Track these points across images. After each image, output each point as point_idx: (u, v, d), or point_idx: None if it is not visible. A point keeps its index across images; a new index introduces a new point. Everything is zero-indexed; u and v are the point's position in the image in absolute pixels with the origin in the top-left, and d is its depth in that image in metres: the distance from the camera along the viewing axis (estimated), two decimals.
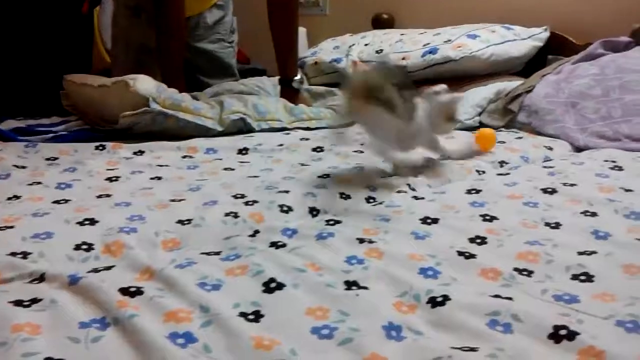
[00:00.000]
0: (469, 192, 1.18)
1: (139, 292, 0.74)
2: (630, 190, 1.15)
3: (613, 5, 2.03)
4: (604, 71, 1.73)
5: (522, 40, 2.02)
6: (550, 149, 1.57)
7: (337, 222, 1.03)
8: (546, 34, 2.07)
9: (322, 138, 1.68)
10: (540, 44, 2.05)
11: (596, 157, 1.40)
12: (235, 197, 1.16)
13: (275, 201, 1.14)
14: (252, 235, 0.98)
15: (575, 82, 1.74)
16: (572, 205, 1.09)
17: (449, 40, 1.97)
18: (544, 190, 1.16)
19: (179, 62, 2.04)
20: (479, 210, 1.07)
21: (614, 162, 1.35)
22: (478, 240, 0.94)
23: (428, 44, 2.01)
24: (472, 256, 0.89)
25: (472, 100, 1.84)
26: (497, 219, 1.03)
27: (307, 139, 1.67)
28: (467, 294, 0.78)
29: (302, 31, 2.97)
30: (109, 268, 0.84)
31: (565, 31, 2.10)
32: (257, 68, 2.84)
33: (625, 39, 1.88)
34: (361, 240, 0.93)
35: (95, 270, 0.83)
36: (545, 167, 1.33)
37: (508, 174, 1.31)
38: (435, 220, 1.02)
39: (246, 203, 1.13)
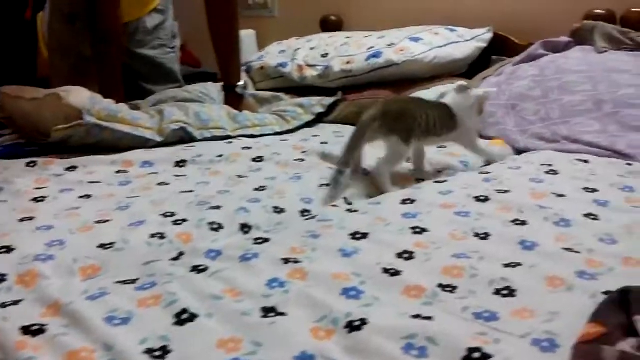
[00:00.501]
0: (403, 202, 1.16)
1: (41, 330, 0.71)
2: (562, 196, 1.16)
3: (555, 5, 2.05)
4: (543, 72, 1.75)
5: (466, 42, 2.02)
6: None
7: (266, 240, 1.00)
8: (489, 35, 2.07)
9: (265, 146, 1.66)
10: (484, 44, 2.06)
11: (533, 161, 1.41)
12: (164, 215, 1.13)
13: (206, 219, 1.11)
14: (176, 258, 0.95)
15: (516, 83, 1.75)
16: (503, 213, 1.08)
17: (392, 44, 1.96)
18: (477, 199, 1.15)
19: (117, 69, 1.98)
20: (410, 222, 1.06)
21: (550, 165, 1.35)
22: (405, 255, 0.93)
23: (372, 47, 2.00)
24: (397, 273, 0.88)
25: None
26: (427, 231, 1.02)
27: (249, 148, 1.64)
28: (387, 315, 0.76)
29: (251, 33, 2.94)
30: (17, 302, 0.80)
31: (508, 31, 2.11)
32: (207, 72, 2.79)
33: (565, 39, 1.90)
34: (286, 261, 0.91)
35: (3, 305, 0.79)
36: (481, 172, 1.33)
37: (445, 181, 1.30)
38: (364, 235, 1.00)
39: (175, 222, 1.10)
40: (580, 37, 1.87)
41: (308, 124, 1.92)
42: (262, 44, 2.74)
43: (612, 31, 1.82)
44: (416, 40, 1.95)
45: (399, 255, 0.93)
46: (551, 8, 2.05)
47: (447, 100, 1.38)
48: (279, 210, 1.18)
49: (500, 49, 2.10)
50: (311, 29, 2.61)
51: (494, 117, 1.69)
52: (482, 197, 1.15)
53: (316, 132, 1.83)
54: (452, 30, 2.05)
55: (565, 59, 1.76)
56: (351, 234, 1.01)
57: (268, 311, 0.77)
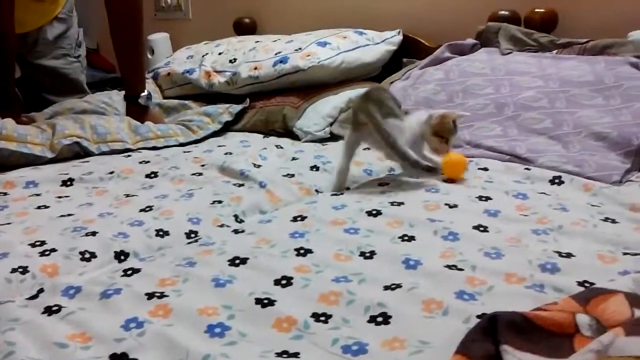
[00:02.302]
0: (294, 219, 1.11)
1: None
2: (454, 207, 1.13)
3: (461, 6, 2.05)
4: (448, 76, 1.73)
5: (375, 45, 2.00)
6: None
7: (136, 271, 0.93)
8: (399, 38, 2.05)
9: (164, 159, 1.58)
10: (394, 47, 2.04)
11: None
12: (33, 245, 1.04)
13: (77, 247, 1.03)
14: (33, 297, 0.87)
15: (422, 87, 1.73)
16: (392, 229, 1.05)
17: (299, 49, 1.91)
18: (369, 213, 1.11)
19: (9, 82, 1.86)
20: (296, 242, 1.01)
21: None
22: (283, 282, 0.88)
23: (279, 52, 1.94)
24: (271, 303, 0.82)
25: (323, 110, 1.79)
26: (312, 252, 0.97)
27: (146, 162, 1.56)
28: (249, 356, 0.71)
29: (164, 37, 2.84)
30: None
31: (418, 34, 2.09)
32: (120, 77, 2.66)
33: (471, 41, 1.89)
34: (151, 295, 0.84)
35: None
36: (380, 184, 1.30)
37: (342, 193, 1.26)
38: (244, 261, 0.94)
39: (43, 252, 1.01)
40: (486, 39, 1.87)
41: (215, 133, 1.86)
42: (177, 48, 2.64)
43: (516, 32, 1.83)
44: (323, 44, 1.91)
45: (277, 282, 0.88)
46: (458, 9, 2.05)
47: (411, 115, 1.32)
48: (161, 234, 1.11)
49: (411, 51, 2.09)
50: (225, 31, 2.53)
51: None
52: (374, 212, 1.11)
53: (222, 142, 1.77)
54: (361, 34, 2.02)
55: (470, 62, 1.76)
56: (230, 260, 0.95)
57: (116, 359, 0.70)
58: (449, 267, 0.91)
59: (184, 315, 0.79)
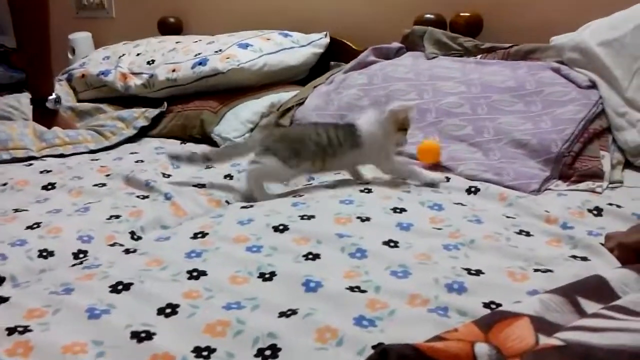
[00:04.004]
0: (195, 236, 1.03)
1: None
2: (367, 220, 1.07)
3: (388, 9, 2.00)
4: (372, 80, 1.68)
5: (301, 48, 1.93)
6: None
7: (5, 300, 0.83)
8: (326, 40, 2.00)
9: (67, 169, 1.46)
10: (321, 50, 1.98)
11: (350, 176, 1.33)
12: None
13: None
14: None
15: (345, 92, 1.67)
16: (298, 246, 0.98)
17: (220, 51, 1.82)
18: (276, 229, 1.04)
19: None
20: (191, 263, 0.93)
21: (366, 183, 1.28)
22: (168, 311, 0.80)
23: (199, 54, 1.85)
24: (149, 337, 0.74)
25: (243, 115, 1.71)
26: (206, 275, 0.89)
27: (47, 172, 1.44)
28: None
29: (86, 36, 2.70)
30: None
31: (345, 36, 2.04)
32: None
33: (396, 45, 1.85)
34: (12, 331, 0.74)
35: None
36: (295, 195, 1.23)
37: (251, 206, 1.18)
38: (127, 286, 0.85)
39: None
40: (411, 43, 1.83)
41: (130, 139, 1.75)
42: (100, 47, 2.50)
43: (442, 36, 1.80)
44: (245, 46, 1.83)
45: (161, 311, 0.80)
46: (386, 12, 2.00)
47: (359, 119, 1.28)
48: (45, 255, 1.00)
49: (339, 54, 2.03)
50: (150, 31, 2.42)
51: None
52: (281, 227, 1.04)
53: (136, 149, 1.67)
54: (286, 36, 1.95)
55: (394, 67, 1.71)
56: (112, 285, 0.86)
57: None
58: (352, 288, 0.85)
59: (46, 354, 0.70)
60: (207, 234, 1.03)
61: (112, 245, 1.04)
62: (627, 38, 1.48)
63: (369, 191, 1.23)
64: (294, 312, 0.79)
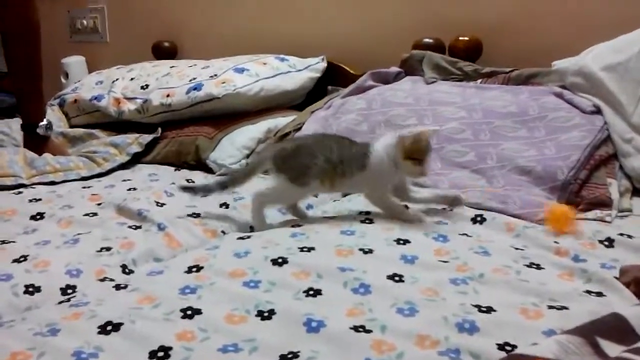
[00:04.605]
0: (189, 270, 0.98)
1: None
2: (370, 252, 1.03)
3: (387, 32, 1.98)
4: (371, 105, 1.65)
5: (298, 72, 1.90)
6: (315, 195, 1.44)
7: None
8: (323, 65, 1.97)
9: (57, 197, 1.42)
10: (318, 74, 1.95)
11: (352, 208, 1.28)
12: None
13: None
14: None
15: (343, 117, 1.64)
16: (298, 281, 0.93)
17: (215, 75, 1.79)
18: (274, 262, 0.99)
19: None
20: (185, 300, 0.88)
21: (366, 213, 1.23)
22: (160, 354, 0.75)
23: (194, 78, 1.82)
24: None
25: (238, 141, 1.67)
26: (200, 313, 0.84)
27: (36, 200, 1.39)
28: None
29: (80, 60, 2.68)
30: None
31: (343, 61, 2.01)
32: None
33: (395, 69, 1.82)
34: None
35: None
36: (293, 225, 1.18)
37: (249, 237, 1.13)
38: (117, 327, 0.80)
39: None
40: (410, 67, 1.81)
41: (123, 166, 1.70)
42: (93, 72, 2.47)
43: (441, 61, 1.77)
44: (241, 71, 1.80)
45: (152, 355, 0.74)
46: (385, 36, 1.98)
47: (378, 140, 1.18)
48: (32, 290, 0.95)
49: (336, 79, 2.00)
50: (144, 55, 2.39)
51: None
52: (280, 260, 0.99)
53: (129, 176, 1.62)
54: (282, 60, 1.92)
55: (393, 91, 1.68)
56: (101, 326, 0.80)
57: None
58: (356, 328, 0.80)
59: None
60: (202, 267, 0.98)
61: (102, 280, 0.99)
62: (632, 62, 1.45)
63: (370, 221, 1.18)
64: (295, 355, 0.74)
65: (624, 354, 0.68)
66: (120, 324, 0.81)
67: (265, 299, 0.88)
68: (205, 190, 1.26)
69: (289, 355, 0.74)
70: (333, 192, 1.24)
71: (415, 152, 1.12)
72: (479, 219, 1.18)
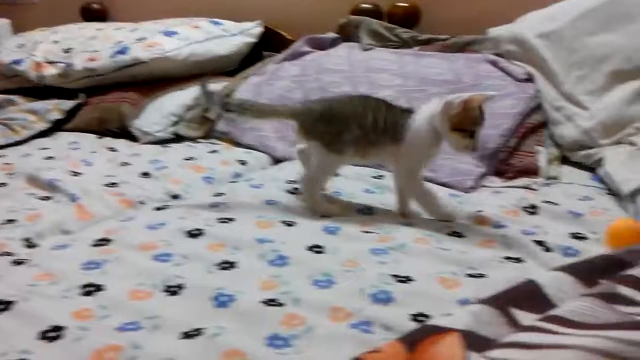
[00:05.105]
0: (97, 243, 0.92)
1: None
2: (292, 224, 0.99)
3: None
4: (305, 72, 1.60)
5: (232, 37, 1.82)
6: (244, 163, 1.39)
7: None
8: (259, 29, 1.89)
9: None
10: (254, 40, 1.88)
11: (280, 177, 1.24)
12: None
13: None
14: None
15: (276, 84, 1.58)
16: (213, 253, 0.88)
17: (143, 38, 1.69)
18: (190, 234, 0.94)
19: None
20: (87, 276, 0.82)
21: (294, 181, 1.19)
22: (52, 334, 0.69)
23: (121, 42, 1.72)
24: None
25: (166, 108, 1.60)
26: (103, 289, 0.78)
27: None
28: None
29: (4, 23, 2.50)
30: None
31: (280, 26, 1.94)
32: None
33: (332, 35, 1.77)
34: None
35: None
36: (216, 194, 1.13)
37: (166, 207, 1.08)
38: (8, 305, 0.74)
39: None
40: (347, 33, 1.76)
41: (43, 133, 1.61)
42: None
43: (378, 27, 1.73)
44: (171, 34, 1.71)
45: (43, 335, 0.69)
46: (321, 1, 1.91)
47: (421, 107, 1.01)
48: None
49: (273, 44, 1.93)
50: (73, 18, 2.26)
51: (251, 122, 1.50)
52: (195, 232, 0.94)
53: (48, 144, 1.53)
54: (216, 24, 1.84)
55: (328, 58, 1.63)
56: None
57: None
58: (268, 302, 0.76)
59: None
60: (110, 240, 0.92)
61: (2, 254, 0.92)
62: (566, 30, 1.44)
63: (297, 192, 1.14)
64: (199, 332, 0.70)
65: (536, 322, 0.66)
66: (12, 302, 0.74)
67: (175, 273, 0.83)
68: (210, 101, 1.08)
69: (193, 332, 0.70)
70: (367, 161, 1.11)
71: (465, 122, 0.94)
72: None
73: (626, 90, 1.33)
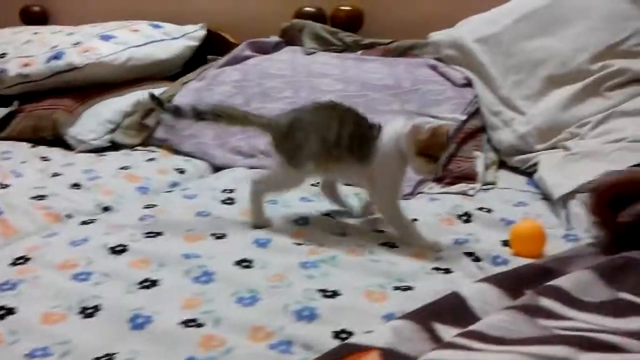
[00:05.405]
0: (14, 262, 0.88)
1: None
2: (222, 236, 0.97)
3: (270, 0, 1.89)
4: (246, 77, 1.57)
5: (173, 40, 1.79)
6: (182, 171, 1.36)
7: None
8: (202, 32, 1.86)
9: None
10: (196, 43, 1.84)
11: (217, 186, 1.21)
12: None
13: None
14: None
15: (216, 89, 1.55)
16: (135, 271, 0.85)
17: (79, 43, 1.64)
18: (113, 250, 0.91)
19: None
20: (1, 298, 0.78)
21: (231, 190, 1.17)
22: None
23: (56, 46, 1.66)
24: None
25: (103, 115, 1.55)
26: (14, 313, 0.75)
27: None
28: None
29: None
30: None
31: (224, 29, 1.91)
32: None
33: (275, 39, 1.75)
34: None
35: None
36: (147, 206, 1.10)
37: (92, 221, 1.04)
38: None
39: None
40: (290, 37, 1.74)
41: None
42: None
43: (321, 31, 1.72)
44: (108, 38, 1.66)
45: None
46: (265, 3, 1.89)
47: (389, 124, 0.97)
48: None
49: (217, 48, 1.90)
50: (11, 21, 2.18)
51: (190, 129, 1.47)
52: (119, 248, 0.91)
53: None
54: (157, 27, 1.80)
55: (270, 62, 1.61)
56: None
57: None
58: (188, 322, 0.73)
59: None
60: (29, 259, 0.89)
61: None
62: (504, 35, 1.45)
63: (232, 202, 1.12)
64: (111, 357, 0.67)
65: (455, 338, 0.66)
66: None
67: (93, 293, 0.80)
68: (177, 113, 1.01)
69: (104, 358, 0.67)
70: (332, 179, 1.06)
71: (431, 149, 0.91)
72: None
73: (562, 95, 1.35)
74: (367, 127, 0.97)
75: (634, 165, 1.09)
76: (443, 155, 0.94)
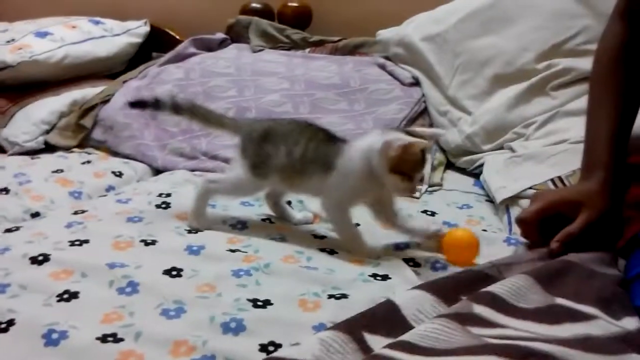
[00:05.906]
0: None
1: None
2: (152, 243, 0.92)
3: None
4: (189, 75, 1.52)
5: (114, 37, 1.72)
6: (120, 175, 1.30)
7: None
8: (145, 29, 1.80)
9: None
10: (139, 40, 1.78)
11: (152, 189, 1.16)
12: None
13: None
14: None
15: (158, 88, 1.50)
16: (55, 283, 0.80)
17: (12, 40, 1.56)
18: (34, 260, 0.85)
19: None
20: None
21: (168, 195, 1.12)
22: None
23: None
24: None
25: (37, 115, 1.48)
26: None
27: None
28: None
29: None
30: None
31: (169, 25, 1.85)
32: None
33: (220, 35, 1.70)
34: None
35: None
36: (76, 212, 1.04)
37: (17, 228, 0.98)
38: None
39: None
40: (236, 34, 1.70)
41: None
42: None
43: (268, 28, 1.68)
44: (43, 35, 1.58)
45: None
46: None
47: (359, 139, 0.93)
48: None
49: (163, 45, 1.84)
50: None
51: (129, 130, 1.41)
52: (40, 258, 0.86)
53: None
54: (97, 23, 1.72)
55: (215, 60, 1.56)
56: None
57: None
58: (106, 337, 0.69)
59: None
60: None
61: None
62: (450, 33, 1.44)
63: (167, 206, 1.07)
64: None
65: (382, 349, 0.63)
66: None
67: (8, 306, 0.74)
68: (156, 106, 1.02)
69: None
70: (296, 193, 1.03)
71: (404, 166, 0.87)
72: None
73: (507, 95, 1.34)
74: (335, 141, 0.95)
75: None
76: (418, 173, 0.90)
